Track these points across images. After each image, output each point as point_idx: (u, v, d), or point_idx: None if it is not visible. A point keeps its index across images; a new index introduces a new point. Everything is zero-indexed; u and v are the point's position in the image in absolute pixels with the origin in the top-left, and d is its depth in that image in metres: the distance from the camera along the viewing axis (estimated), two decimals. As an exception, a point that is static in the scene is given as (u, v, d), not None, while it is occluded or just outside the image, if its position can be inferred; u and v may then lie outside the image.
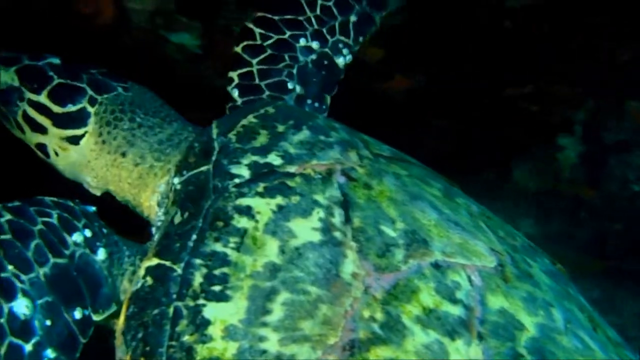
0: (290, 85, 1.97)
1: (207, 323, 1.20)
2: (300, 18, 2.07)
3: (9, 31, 2.37)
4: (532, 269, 1.35)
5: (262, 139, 1.55)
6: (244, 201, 1.38)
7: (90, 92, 1.82)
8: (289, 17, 2.06)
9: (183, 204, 1.46)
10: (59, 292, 1.37)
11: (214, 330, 1.18)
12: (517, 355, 1.13)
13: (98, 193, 1.89)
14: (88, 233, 1.51)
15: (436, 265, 1.25)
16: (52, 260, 1.41)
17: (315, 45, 2.06)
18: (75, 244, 1.48)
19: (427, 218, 1.36)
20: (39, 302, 1.34)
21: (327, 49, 2.07)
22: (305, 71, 2.02)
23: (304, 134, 1.57)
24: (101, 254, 1.51)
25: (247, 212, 1.36)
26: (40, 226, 1.43)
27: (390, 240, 1.30)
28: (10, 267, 1.33)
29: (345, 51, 2.09)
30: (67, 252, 1.45)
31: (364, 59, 2.85)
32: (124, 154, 1.79)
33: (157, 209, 1.66)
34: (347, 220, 1.34)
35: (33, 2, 2.47)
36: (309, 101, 2.01)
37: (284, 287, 1.22)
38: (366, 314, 1.17)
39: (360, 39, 2.12)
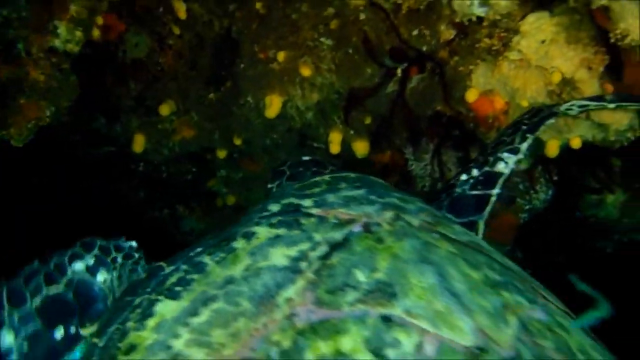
0: None
1: (150, 315, 1.25)
2: (470, 165, 2.09)
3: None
4: None
5: (317, 189, 1.63)
6: (254, 228, 1.43)
7: None
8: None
9: None
10: (44, 317, 1.50)
11: (150, 322, 1.23)
12: None
13: None
14: (91, 261, 1.60)
15: (386, 319, 1.15)
16: (44, 290, 1.55)
17: (475, 172, 2.05)
18: (74, 272, 1.58)
19: (420, 280, 1.26)
20: (23, 332, 1.49)
21: (486, 168, 2.03)
22: (457, 201, 2.00)
23: (357, 192, 1.59)
24: (100, 276, 1.58)
25: (249, 236, 1.40)
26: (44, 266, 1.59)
27: (354, 283, 1.23)
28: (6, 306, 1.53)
29: (505, 154, 2.04)
30: (63, 280, 1.57)
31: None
32: None
33: None
34: (326, 257, 1.31)
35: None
36: None
37: (223, 297, 1.23)
38: (275, 337, 1.13)
39: (528, 135, 2.06)
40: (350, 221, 1.43)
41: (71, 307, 1.51)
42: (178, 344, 1.16)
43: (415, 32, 2.44)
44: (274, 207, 1.56)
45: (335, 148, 2.90)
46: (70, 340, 1.48)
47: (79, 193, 3.89)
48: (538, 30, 2.21)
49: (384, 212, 1.49)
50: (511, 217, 3.22)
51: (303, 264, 1.29)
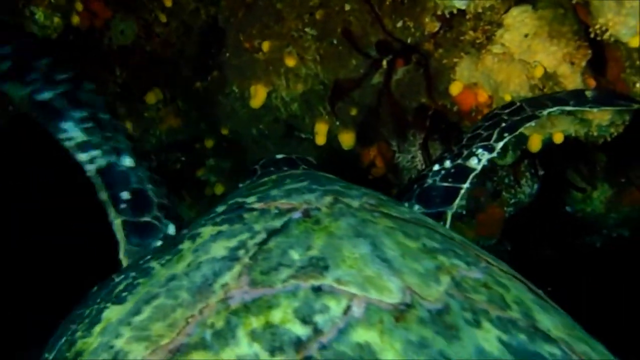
0: None
1: (97, 322, 1.25)
2: (445, 154, 2.12)
3: None
4: (474, 328, 1.16)
5: (262, 188, 1.67)
6: (199, 229, 1.45)
7: None
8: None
9: None
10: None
11: (97, 328, 1.23)
12: None
13: None
14: None
15: (317, 289, 1.18)
16: None
17: (447, 163, 2.06)
18: None
19: (352, 252, 1.29)
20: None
21: (459, 161, 2.05)
22: (427, 191, 2.01)
23: (300, 184, 1.63)
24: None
25: (195, 237, 1.42)
26: None
27: (288, 262, 1.26)
28: None
29: (479, 150, 2.04)
30: None
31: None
32: None
33: None
34: (263, 243, 1.33)
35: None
36: None
37: (165, 293, 1.24)
38: (210, 321, 1.15)
39: (506, 134, 2.06)
40: (291, 209, 1.46)
41: None
42: (119, 343, 1.17)
43: (399, 24, 2.43)
44: (220, 208, 1.58)
45: (320, 139, 2.89)
46: None
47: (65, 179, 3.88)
48: (521, 24, 2.20)
49: (324, 197, 1.52)
50: (497, 210, 3.23)
51: (241, 252, 1.31)
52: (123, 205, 1.79)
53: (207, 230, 1.42)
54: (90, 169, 1.82)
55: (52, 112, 1.85)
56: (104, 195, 1.79)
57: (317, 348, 1.08)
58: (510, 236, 3.57)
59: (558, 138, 2.38)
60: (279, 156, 2.23)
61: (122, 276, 1.39)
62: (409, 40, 2.48)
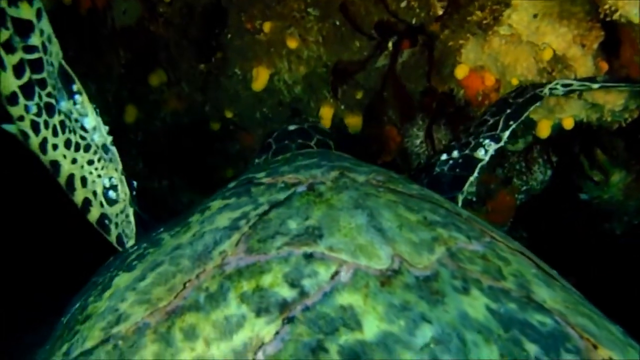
0: None
1: (107, 287, 1.32)
2: (453, 143, 2.12)
3: None
4: (461, 295, 1.16)
5: (275, 165, 1.70)
6: (209, 203, 1.49)
7: None
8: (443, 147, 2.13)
9: None
10: None
11: (106, 293, 1.30)
12: (319, 349, 1.05)
13: None
14: None
15: (308, 256, 1.21)
16: None
17: (455, 153, 2.07)
18: None
19: (349, 222, 1.31)
20: None
21: (467, 151, 2.06)
22: (435, 179, 2.04)
23: (310, 161, 1.65)
24: None
25: (204, 210, 1.46)
26: None
27: (284, 231, 1.29)
28: None
29: (486, 141, 2.04)
30: None
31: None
32: None
33: None
34: (264, 214, 1.36)
35: None
36: None
37: (168, 261, 1.30)
38: (205, 285, 1.20)
39: (511, 122, 2.04)
40: (297, 183, 1.49)
41: None
42: (124, 306, 1.23)
43: (403, 4, 2.33)
44: (232, 184, 1.61)
45: (325, 123, 2.82)
46: None
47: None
48: (530, 4, 2.09)
49: (331, 172, 1.54)
50: (508, 198, 3.13)
51: (242, 222, 1.35)
52: (134, 193, 1.89)
53: (216, 204, 1.46)
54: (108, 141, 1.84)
55: None
56: (119, 173, 1.83)
57: (301, 309, 1.11)
58: (523, 224, 3.48)
59: (568, 123, 2.28)
60: (292, 127, 2.23)
61: (136, 247, 1.46)
62: (413, 21, 2.39)
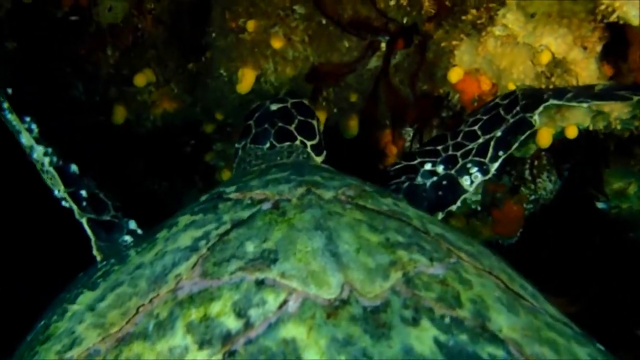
0: None
1: (70, 306, 1.33)
2: (439, 147, 2.08)
3: None
4: (409, 327, 1.12)
5: (247, 177, 1.68)
6: (178, 218, 1.48)
7: None
8: (428, 148, 2.09)
9: None
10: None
11: (68, 312, 1.31)
12: None
13: None
14: None
15: (260, 282, 1.19)
16: None
17: (440, 168, 2.03)
18: None
19: (305, 245, 1.28)
20: None
21: (452, 172, 2.01)
22: (415, 190, 2.00)
23: (280, 175, 1.63)
24: None
25: (172, 225, 1.46)
26: None
27: (240, 254, 1.27)
28: None
29: (474, 170, 1.98)
30: None
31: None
32: None
33: None
34: (225, 233, 1.34)
35: None
36: None
37: (128, 282, 1.30)
38: (156, 311, 1.19)
39: (501, 152, 1.96)
40: (263, 200, 1.46)
41: None
42: (80, 328, 1.24)
43: (392, 2, 2.15)
44: (203, 197, 1.61)
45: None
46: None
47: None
48: (527, 2, 1.90)
49: (298, 188, 1.51)
50: (515, 207, 2.94)
51: (202, 243, 1.34)
52: (84, 204, 1.87)
53: (184, 220, 1.46)
54: (46, 162, 1.89)
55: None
56: (61, 192, 1.87)
57: (243, 343, 1.10)
58: (534, 235, 3.28)
59: (571, 132, 2.08)
60: (274, 107, 2.17)
61: (104, 262, 1.46)
62: (405, 21, 2.21)
